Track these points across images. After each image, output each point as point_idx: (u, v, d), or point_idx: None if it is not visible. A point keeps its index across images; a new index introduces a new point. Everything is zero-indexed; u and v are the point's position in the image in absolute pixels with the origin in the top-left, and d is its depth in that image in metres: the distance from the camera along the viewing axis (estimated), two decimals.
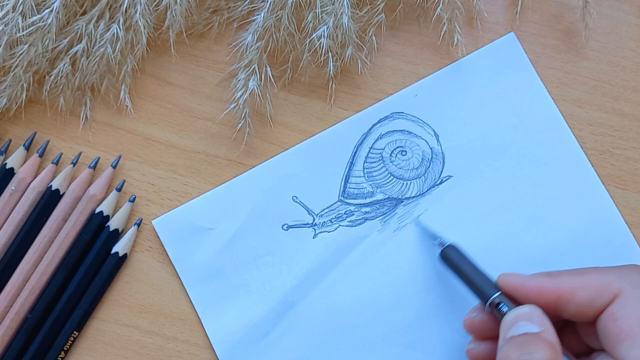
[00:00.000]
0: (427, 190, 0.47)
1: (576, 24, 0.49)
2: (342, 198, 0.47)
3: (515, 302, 0.39)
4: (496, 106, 0.48)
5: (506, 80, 0.48)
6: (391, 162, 0.47)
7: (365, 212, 0.47)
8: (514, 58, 0.48)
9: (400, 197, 0.47)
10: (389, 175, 0.47)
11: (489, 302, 0.39)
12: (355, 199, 0.47)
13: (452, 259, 0.42)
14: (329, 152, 0.47)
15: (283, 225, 0.47)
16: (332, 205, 0.47)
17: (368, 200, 0.47)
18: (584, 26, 0.49)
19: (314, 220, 0.47)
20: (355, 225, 0.47)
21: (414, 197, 0.47)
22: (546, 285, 0.38)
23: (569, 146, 0.47)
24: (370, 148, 0.47)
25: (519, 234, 0.46)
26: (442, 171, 0.47)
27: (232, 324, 0.45)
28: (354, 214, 0.47)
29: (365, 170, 0.47)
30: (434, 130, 0.48)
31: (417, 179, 0.47)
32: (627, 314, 0.35)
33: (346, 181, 0.47)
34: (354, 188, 0.47)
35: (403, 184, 0.47)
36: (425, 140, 0.48)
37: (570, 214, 0.46)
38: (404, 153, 0.47)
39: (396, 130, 0.48)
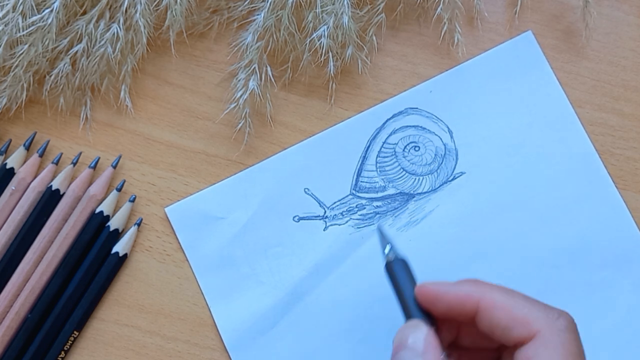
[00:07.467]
0: (439, 186, 0.47)
1: (576, 24, 0.49)
2: (353, 192, 0.47)
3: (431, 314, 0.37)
4: (511, 104, 0.48)
5: (522, 79, 0.48)
6: (404, 157, 0.47)
7: (377, 206, 0.47)
8: (530, 57, 0.48)
9: (412, 192, 0.47)
10: (402, 170, 0.47)
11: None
12: (367, 192, 0.47)
13: (395, 274, 0.39)
14: (342, 146, 0.47)
15: (294, 217, 0.47)
16: (344, 198, 0.47)
17: (380, 194, 0.47)
18: (584, 26, 0.49)
19: (325, 212, 0.47)
20: (366, 219, 0.47)
21: (425, 192, 0.47)
22: (470, 294, 0.36)
23: (582, 147, 0.47)
24: (384, 143, 0.48)
25: (530, 233, 0.46)
26: (454, 168, 0.47)
27: (240, 314, 0.45)
28: (365, 208, 0.47)
29: (378, 165, 0.47)
30: (447, 127, 0.48)
31: (430, 175, 0.47)
32: None
33: (358, 175, 0.47)
34: (366, 182, 0.47)
35: (415, 179, 0.47)
36: (439, 137, 0.48)
37: (582, 215, 0.46)
38: (417, 148, 0.47)
39: (410, 126, 0.48)
